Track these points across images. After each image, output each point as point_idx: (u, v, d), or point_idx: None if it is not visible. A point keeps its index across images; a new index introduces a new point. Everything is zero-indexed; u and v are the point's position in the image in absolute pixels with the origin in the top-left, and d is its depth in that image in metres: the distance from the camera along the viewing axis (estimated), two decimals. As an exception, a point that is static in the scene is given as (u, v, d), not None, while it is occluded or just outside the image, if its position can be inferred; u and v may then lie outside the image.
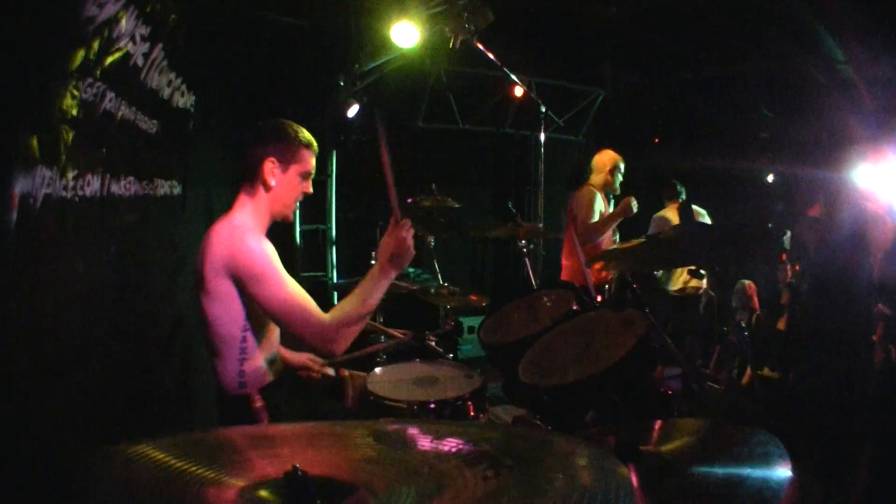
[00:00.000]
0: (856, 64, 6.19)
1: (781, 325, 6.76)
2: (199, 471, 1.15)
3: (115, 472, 1.13)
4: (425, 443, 1.35)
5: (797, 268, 7.52)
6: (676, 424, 1.94)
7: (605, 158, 5.87)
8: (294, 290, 2.50)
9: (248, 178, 2.66)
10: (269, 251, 2.53)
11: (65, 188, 2.01)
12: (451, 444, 1.28)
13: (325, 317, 2.52)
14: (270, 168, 2.62)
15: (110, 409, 2.54)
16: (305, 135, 2.72)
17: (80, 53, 1.96)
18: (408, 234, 2.63)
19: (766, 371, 5.95)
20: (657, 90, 8.61)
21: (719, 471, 1.45)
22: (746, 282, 6.79)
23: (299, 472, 1.05)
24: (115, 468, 1.14)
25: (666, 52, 7.52)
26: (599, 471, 1.14)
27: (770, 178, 9.70)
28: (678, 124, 8.93)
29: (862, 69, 6.13)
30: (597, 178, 5.86)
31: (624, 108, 9.17)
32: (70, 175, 2.04)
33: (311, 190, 2.81)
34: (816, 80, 6.94)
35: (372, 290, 2.59)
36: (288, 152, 2.66)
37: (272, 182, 2.64)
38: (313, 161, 2.77)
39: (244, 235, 2.50)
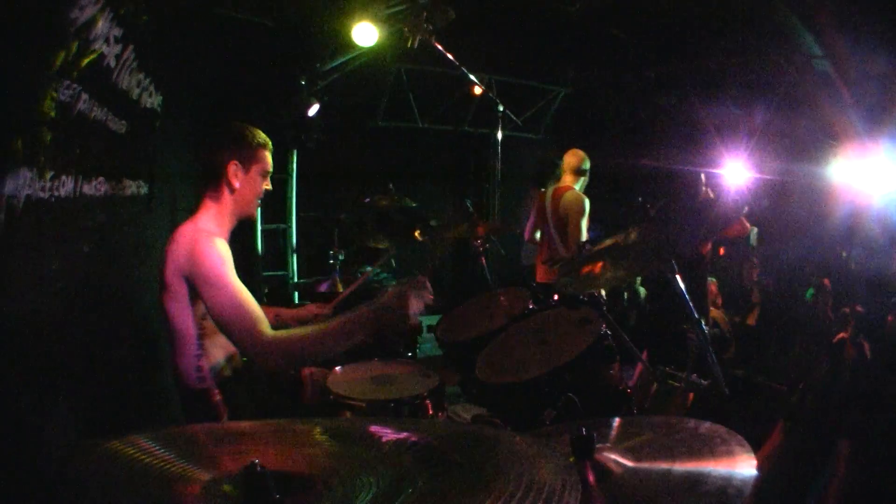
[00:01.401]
0: (835, 58, 6.13)
1: (751, 320, 6.86)
2: (168, 466, 1.21)
3: (89, 468, 1.18)
4: (380, 439, 1.39)
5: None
6: (636, 422, 1.94)
7: (578, 159, 5.76)
8: (241, 300, 2.47)
9: (211, 182, 2.74)
10: (224, 257, 2.55)
11: (42, 189, 2.04)
12: (403, 441, 1.34)
13: (268, 332, 2.44)
14: (234, 171, 2.71)
15: (82, 403, 2.57)
16: (261, 135, 2.81)
17: (62, 55, 1.99)
18: (419, 300, 2.55)
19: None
20: (619, 87, 8.60)
21: (680, 468, 1.43)
22: (710, 279, 6.80)
23: (258, 468, 1.09)
24: (90, 464, 1.19)
25: (629, 49, 7.49)
26: (547, 467, 1.19)
27: (764, 202, 9.72)
28: (640, 122, 8.94)
29: (841, 64, 6.05)
30: (575, 179, 5.74)
31: (585, 105, 9.16)
32: (47, 176, 2.07)
33: (270, 187, 2.89)
34: (789, 75, 6.91)
35: (338, 332, 2.46)
36: (248, 154, 2.75)
37: (236, 184, 2.73)
38: (270, 159, 2.86)
39: (202, 239, 2.56)
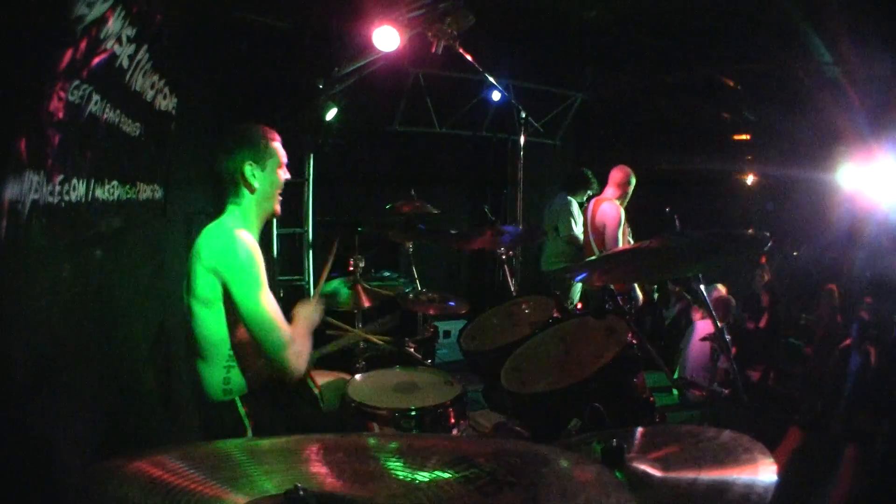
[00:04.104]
0: (844, 64, 6.18)
1: (762, 324, 6.85)
2: (198, 487, 1.10)
3: (109, 491, 1.08)
4: (425, 457, 1.30)
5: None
6: (660, 431, 1.95)
7: (624, 174, 6.02)
8: (270, 302, 2.49)
9: (230, 186, 2.67)
10: (256, 256, 2.51)
11: (51, 193, 1.96)
12: (452, 460, 1.24)
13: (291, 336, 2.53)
14: (251, 171, 2.64)
15: (94, 414, 2.49)
16: (268, 129, 2.75)
17: (68, 53, 1.91)
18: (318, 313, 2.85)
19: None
20: (636, 93, 8.60)
21: (706, 477, 1.44)
22: (719, 286, 6.79)
23: (300, 491, 1.01)
24: (110, 486, 1.09)
25: (646, 55, 7.51)
26: (602, 488, 1.13)
27: (770, 205, 9.75)
28: (657, 127, 8.94)
29: (850, 69, 6.13)
30: (617, 193, 6.00)
31: (602, 111, 9.17)
32: (57, 180, 2.00)
33: (289, 175, 2.84)
34: (802, 81, 6.94)
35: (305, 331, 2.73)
36: (261, 151, 2.69)
37: (256, 184, 2.66)
38: (282, 149, 2.79)
39: (234, 236, 2.49)
